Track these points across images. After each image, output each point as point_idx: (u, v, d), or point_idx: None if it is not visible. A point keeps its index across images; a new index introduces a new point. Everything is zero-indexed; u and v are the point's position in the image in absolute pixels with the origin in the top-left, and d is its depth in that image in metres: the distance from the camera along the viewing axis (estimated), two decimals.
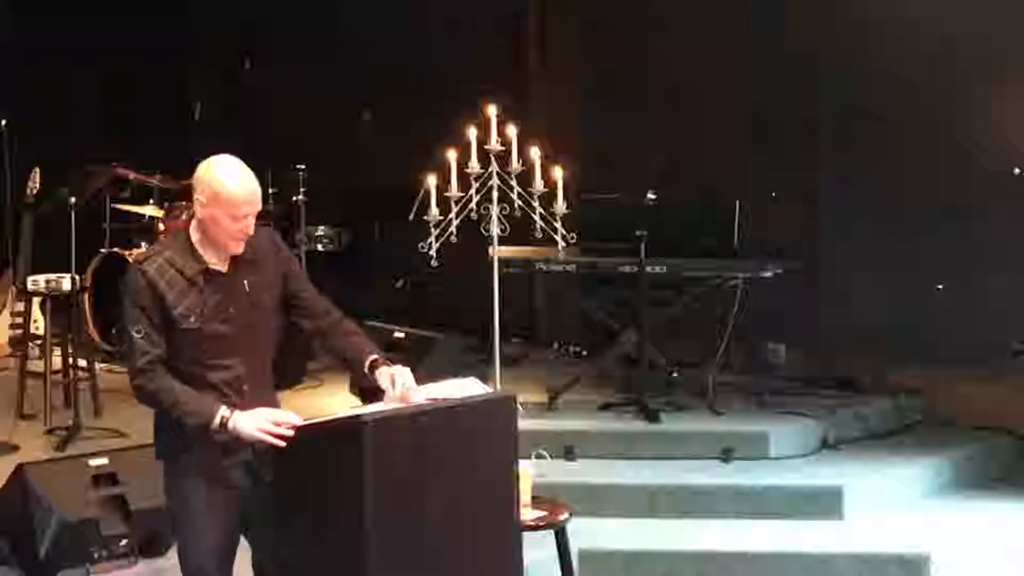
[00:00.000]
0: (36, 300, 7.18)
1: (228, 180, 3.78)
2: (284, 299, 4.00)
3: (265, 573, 4.03)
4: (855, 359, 7.38)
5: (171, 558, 5.28)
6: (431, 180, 5.76)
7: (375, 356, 4.00)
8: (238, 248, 3.84)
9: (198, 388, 3.80)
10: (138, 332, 3.76)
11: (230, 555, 3.99)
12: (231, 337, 3.82)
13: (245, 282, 3.88)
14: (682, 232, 7.01)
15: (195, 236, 3.85)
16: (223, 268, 3.87)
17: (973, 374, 7.03)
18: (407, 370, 3.94)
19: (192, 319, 3.79)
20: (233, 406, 3.80)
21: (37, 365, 7.20)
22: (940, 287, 7.38)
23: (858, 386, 7.25)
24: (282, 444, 3.70)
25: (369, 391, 4.14)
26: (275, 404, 3.98)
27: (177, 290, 3.79)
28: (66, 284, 6.96)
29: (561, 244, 5.86)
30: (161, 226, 8.63)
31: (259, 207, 3.83)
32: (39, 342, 7.40)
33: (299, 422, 3.74)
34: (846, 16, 7.59)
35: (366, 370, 3.99)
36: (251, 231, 3.82)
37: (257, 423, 3.71)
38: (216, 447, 3.84)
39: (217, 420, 3.71)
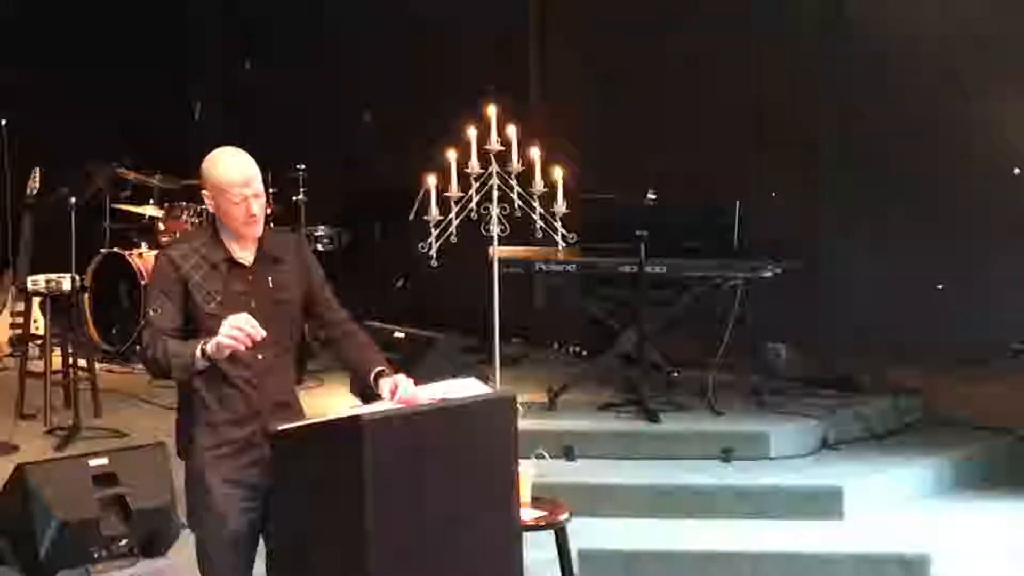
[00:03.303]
0: (36, 300, 7.18)
1: (219, 168, 3.92)
2: (304, 304, 4.06)
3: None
4: (855, 359, 7.38)
5: (171, 558, 5.30)
6: (431, 180, 5.75)
7: (380, 368, 4.04)
8: (253, 232, 3.92)
9: (217, 382, 3.85)
10: (154, 311, 3.86)
11: (249, 555, 3.99)
12: None
13: (269, 278, 3.96)
14: (682, 232, 7.01)
15: (218, 228, 3.96)
16: (247, 262, 3.95)
17: (973, 374, 7.03)
18: (404, 377, 3.97)
19: (213, 304, 3.85)
20: (251, 400, 3.89)
21: (37, 365, 7.19)
22: (940, 287, 7.37)
23: (858, 386, 7.24)
24: (247, 344, 3.70)
25: (369, 391, 4.14)
26: (295, 402, 4.06)
27: (201, 274, 3.88)
28: (66, 284, 6.95)
29: (561, 244, 5.84)
30: (161, 226, 8.64)
31: (258, 188, 3.91)
32: (39, 342, 7.40)
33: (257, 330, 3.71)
34: (846, 16, 7.59)
35: (370, 381, 4.03)
36: (256, 211, 3.89)
37: (227, 332, 3.70)
38: (234, 444, 3.89)
39: (199, 350, 3.74)
